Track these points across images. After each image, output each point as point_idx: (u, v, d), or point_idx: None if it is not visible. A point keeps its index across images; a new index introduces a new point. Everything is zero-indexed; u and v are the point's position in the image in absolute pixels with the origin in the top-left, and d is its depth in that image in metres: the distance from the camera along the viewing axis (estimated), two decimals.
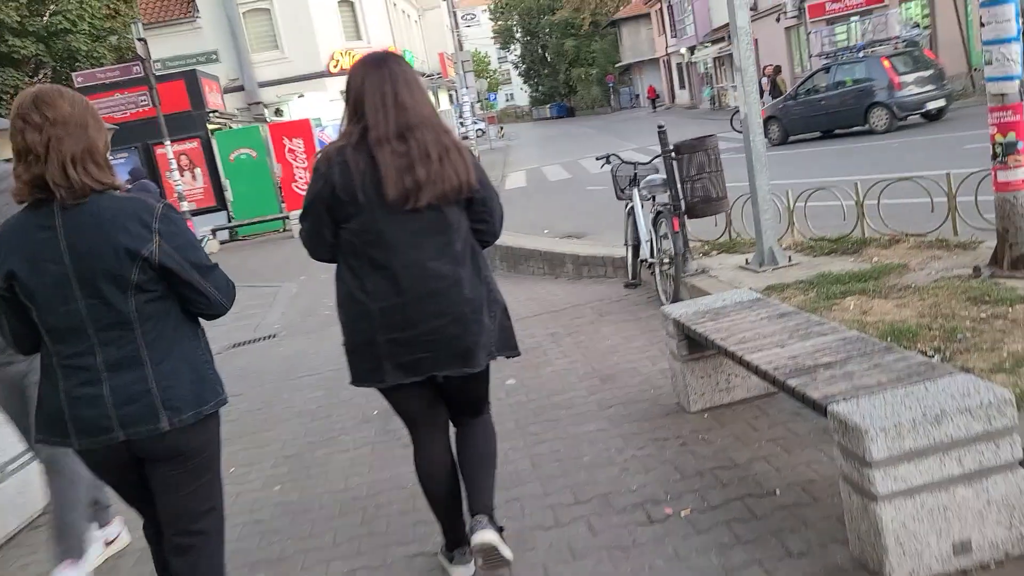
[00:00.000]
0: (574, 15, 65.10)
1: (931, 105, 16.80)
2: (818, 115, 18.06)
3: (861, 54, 18.21)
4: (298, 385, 6.54)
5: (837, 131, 18.19)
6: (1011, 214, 4.94)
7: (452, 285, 2.74)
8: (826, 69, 18.56)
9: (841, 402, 2.79)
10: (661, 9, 50.59)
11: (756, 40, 31.26)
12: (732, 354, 3.62)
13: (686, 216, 6.63)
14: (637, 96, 62.30)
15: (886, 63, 16.84)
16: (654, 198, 7.08)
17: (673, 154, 6.61)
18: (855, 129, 17.69)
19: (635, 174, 7.28)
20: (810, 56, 27.63)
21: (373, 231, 2.67)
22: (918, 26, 25.00)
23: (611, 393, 4.96)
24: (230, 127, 21.10)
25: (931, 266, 5.55)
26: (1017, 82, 4.84)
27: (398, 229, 2.68)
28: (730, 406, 4.37)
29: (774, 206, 6.42)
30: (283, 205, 17.89)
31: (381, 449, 4.78)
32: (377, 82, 2.67)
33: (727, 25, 30.45)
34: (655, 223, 6.84)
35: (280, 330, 9.15)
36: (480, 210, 2.85)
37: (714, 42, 38.76)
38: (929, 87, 16.76)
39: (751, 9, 33.01)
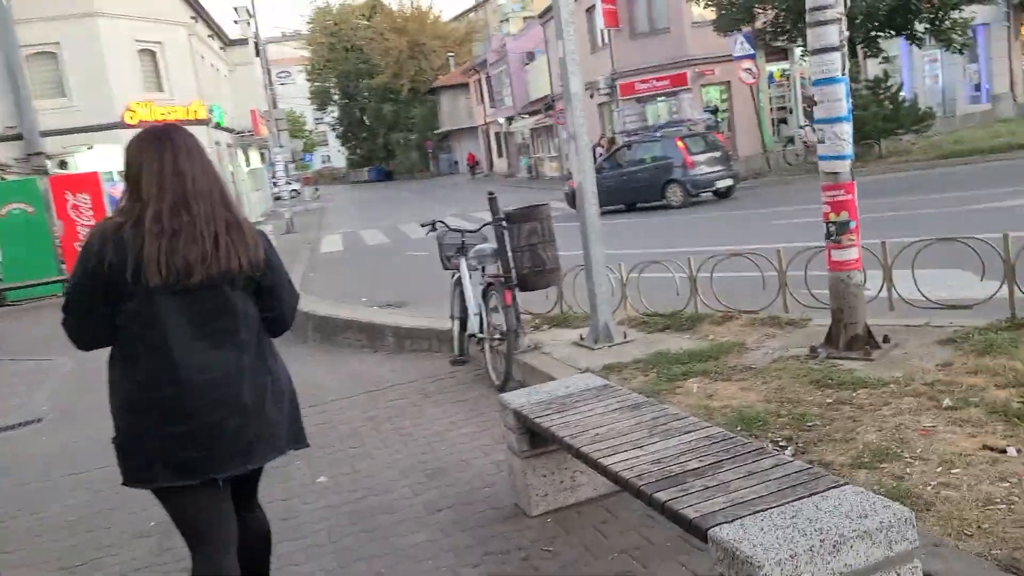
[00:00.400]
0: (393, 81, 65.40)
1: (720, 184, 18.03)
2: (621, 189, 18.93)
3: (659, 134, 19.39)
4: (58, 487, 5.40)
5: (639, 204, 19.07)
6: (845, 294, 4.86)
7: (234, 375, 2.50)
8: (628, 146, 19.65)
9: (724, 526, 2.33)
10: (480, 80, 51.80)
11: None
12: (586, 457, 3.12)
13: (517, 288, 6.22)
14: (456, 162, 63.10)
15: (680, 144, 18.04)
16: (483, 268, 6.62)
17: (504, 222, 6.22)
18: (654, 203, 18.61)
19: (463, 242, 6.81)
20: (615, 132, 28.94)
21: (148, 314, 2.44)
22: (710, 111, 26.88)
23: (439, 492, 4.33)
24: (2, 179, 18.88)
25: (767, 344, 5.41)
26: (849, 161, 4.81)
27: (176, 313, 2.45)
28: (576, 507, 3.87)
29: (608, 280, 6.13)
30: (63, 267, 15.96)
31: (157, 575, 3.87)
32: (156, 155, 2.50)
33: (544, 98, 31.37)
34: (485, 295, 6.38)
35: (47, 414, 7.79)
36: (267, 297, 2.63)
37: (531, 114, 39.94)
38: (718, 167, 18.06)
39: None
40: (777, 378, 4.67)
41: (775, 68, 27.81)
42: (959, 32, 19.46)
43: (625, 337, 6.06)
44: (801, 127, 23.22)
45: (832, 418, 4.02)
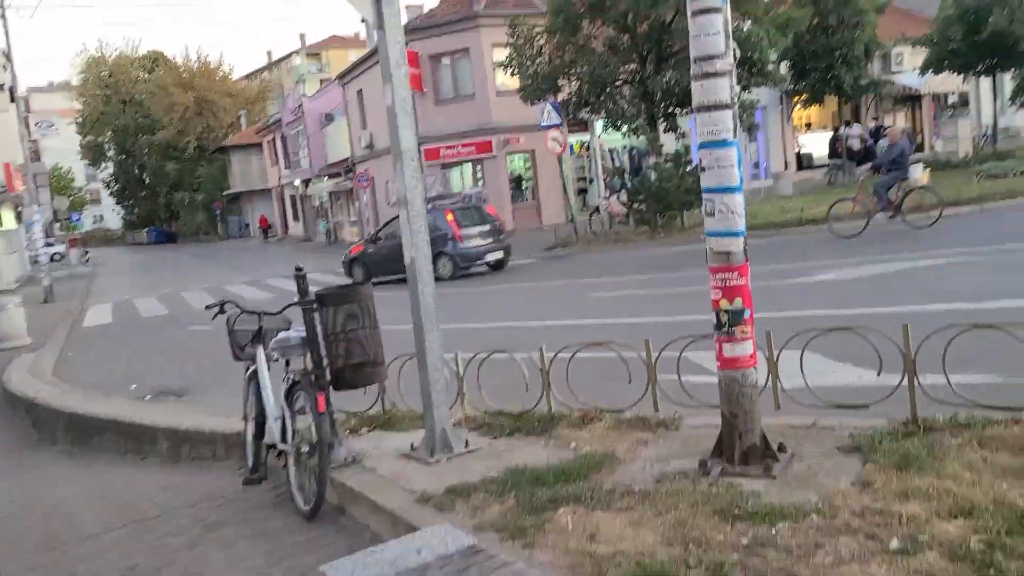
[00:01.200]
0: (177, 138, 61.47)
1: (490, 257, 17.98)
2: (395, 260, 18.07)
3: (429, 206, 19.23)
4: None
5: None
6: (739, 396, 4.06)
7: None
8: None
9: None
10: (274, 140, 49.60)
11: (372, 177, 31.28)
12: None
13: (332, 388, 4.96)
14: (247, 225, 59.84)
15: (450, 216, 17.87)
16: (287, 362, 5.30)
17: (315, 305, 4.97)
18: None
19: (260, 328, 5.46)
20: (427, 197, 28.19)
21: None
22: (515, 179, 26.89)
23: None
24: None
25: (643, 455, 4.49)
26: (742, 239, 4.07)
27: None
28: None
29: (444, 375, 5.01)
30: None
31: None
32: None
33: (344, 160, 29.95)
34: (289, 396, 5.05)
35: None
36: None
37: (330, 176, 38.42)
38: (489, 240, 17.98)
39: (366, 147, 33.34)
40: (672, 507, 3.73)
41: (575, 140, 28.37)
42: (747, 113, 20.53)
43: (467, 446, 4.95)
44: (605, 198, 23.55)
45: (760, 570, 3.11)
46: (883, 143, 26.68)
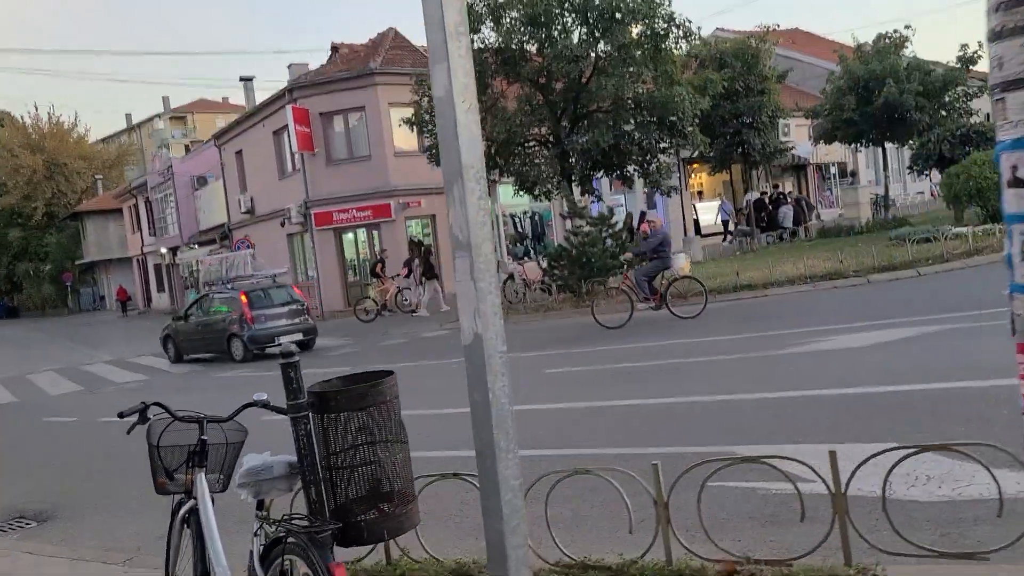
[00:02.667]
0: (24, 203, 56.22)
1: (286, 339, 16.90)
2: (198, 339, 18.33)
3: (229, 286, 18.59)
4: None
5: (214, 355, 18.15)
6: None
7: None
8: (206, 295, 18.95)
9: None
10: (136, 205, 45.87)
11: (254, 244, 28.79)
12: None
13: (338, 542, 3.08)
14: (103, 297, 54.88)
15: (243, 298, 17.40)
16: (260, 502, 3.37)
17: (311, 410, 3.11)
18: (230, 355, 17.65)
19: (202, 442, 3.52)
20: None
21: None
22: (415, 243, 25.16)
23: None
24: None
25: None
26: None
27: None
28: None
29: (524, 523, 3.21)
30: None
31: None
32: None
33: (220, 226, 27.33)
34: (268, 559, 3.13)
35: None
36: None
37: (204, 243, 35.39)
38: (285, 321, 17.36)
39: (246, 212, 30.78)
40: None
41: None
42: (664, 175, 19.81)
43: None
44: (519, 262, 22.17)
45: None
46: (784, 210, 26.85)
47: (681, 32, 17.51)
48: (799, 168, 32.89)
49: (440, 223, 25.57)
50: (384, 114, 24.77)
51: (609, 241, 17.48)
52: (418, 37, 31.39)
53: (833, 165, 35.70)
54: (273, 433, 4.67)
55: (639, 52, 17.81)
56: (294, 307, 17.73)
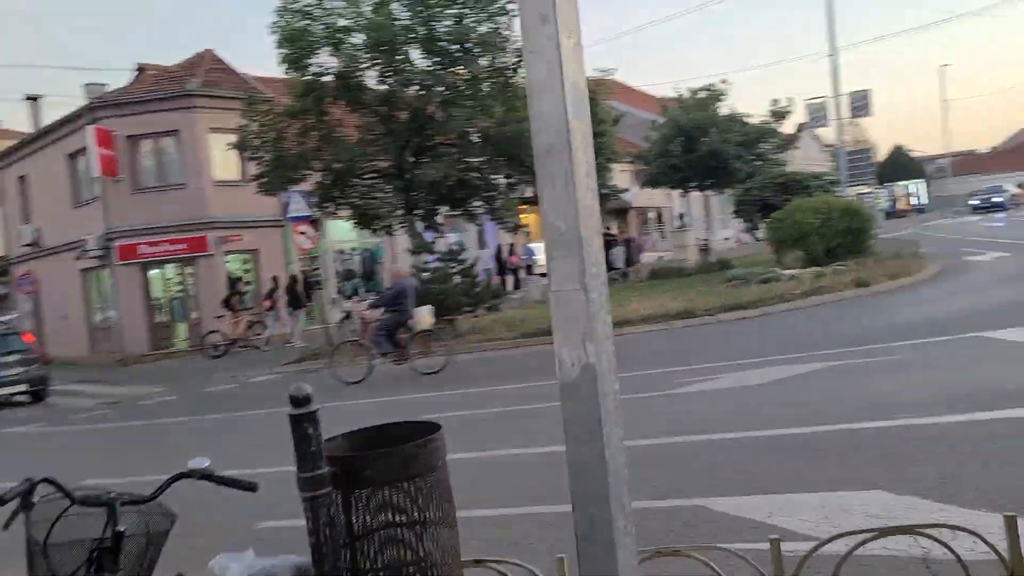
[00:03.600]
0: None
1: (5, 391, 16.48)
2: None
3: None
4: None
5: None
6: None
7: None
8: None
9: None
10: None
11: (38, 280, 25.43)
12: None
13: None
14: None
15: None
16: None
17: (331, 482, 2.05)
18: None
19: (117, 534, 2.35)
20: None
21: None
22: (234, 279, 23.24)
23: None
24: None
25: None
26: None
27: None
28: None
29: None
30: None
31: None
32: None
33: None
34: None
35: None
36: None
37: None
38: (4, 372, 16.45)
39: (30, 244, 27.13)
40: None
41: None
42: (510, 212, 19.39)
43: None
44: (347, 298, 20.80)
45: None
46: (616, 251, 27.29)
47: None
48: (621, 211, 33.88)
49: (264, 258, 23.71)
50: (202, 140, 22.73)
51: (458, 278, 16.72)
52: (237, 60, 29.55)
53: (652, 209, 37.18)
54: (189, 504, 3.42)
55: (487, 86, 17.36)
56: (19, 356, 16.85)
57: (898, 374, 8.36)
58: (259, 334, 20.49)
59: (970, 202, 48.16)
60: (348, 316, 19.34)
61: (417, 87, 17.30)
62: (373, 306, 14.29)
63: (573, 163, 2.11)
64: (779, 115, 26.18)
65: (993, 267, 18.32)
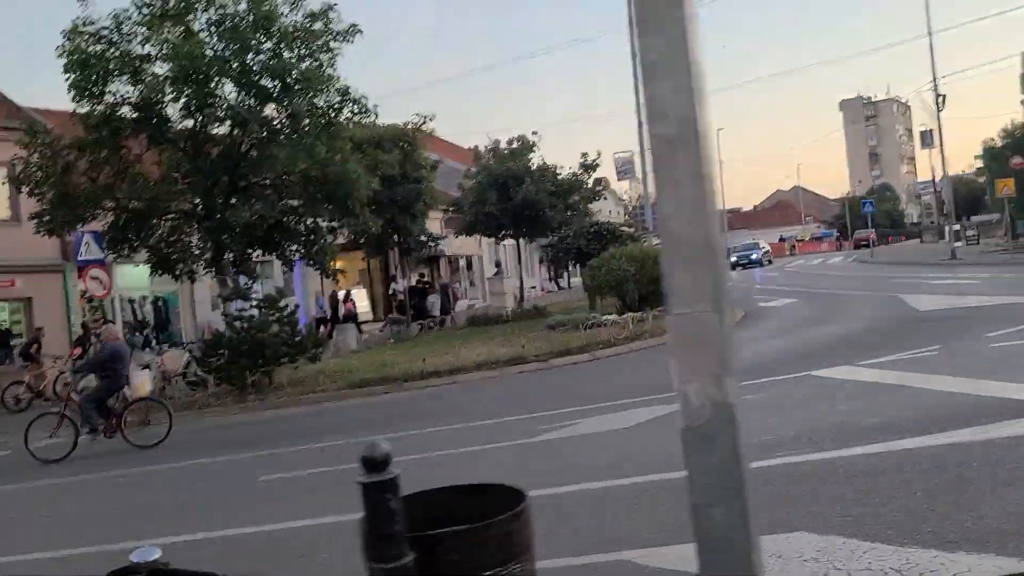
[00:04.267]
0: None
1: None
2: None
3: None
4: None
5: None
6: None
7: None
8: None
9: None
10: None
11: None
12: None
13: None
14: None
15: None
16: None
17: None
18: None
19: None
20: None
21: None
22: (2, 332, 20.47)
23: None
24: None
25: None
26: None
27: None
28: None
29: None
30: None
31: None
32: None
33: None
34: None
35: None
36: None
37: None
38: None
39: None
40: None
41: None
42: (330, 256, 18.48)
43: None
44: (141, 349, 18.77)
45: None
46: (432, 298, 26.87)
47: (357, 108, 16.63)
48: (433, 259, 33.59)
49: (39, 307, 21.02)
50: None
51: (276, 327, 15.56)
52: (6, 88, 26.77)
53: (461, 257, 37.23)
54: None
55: (307, 123, 16.51)
56: None
57: (753, 414, 8.51)
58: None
59: (731, 259, 49.57)
60: (147, 368, 17.44)
61: (230, 124, 16.13)
62: (76, 372, 12.91)
63: (701, 157, 1.66)
64: (588, 168, 27.20)
65: (790, 312, 19.78)
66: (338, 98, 16.51)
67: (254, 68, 15.92)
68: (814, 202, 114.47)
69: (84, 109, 16.64)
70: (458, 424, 10.21)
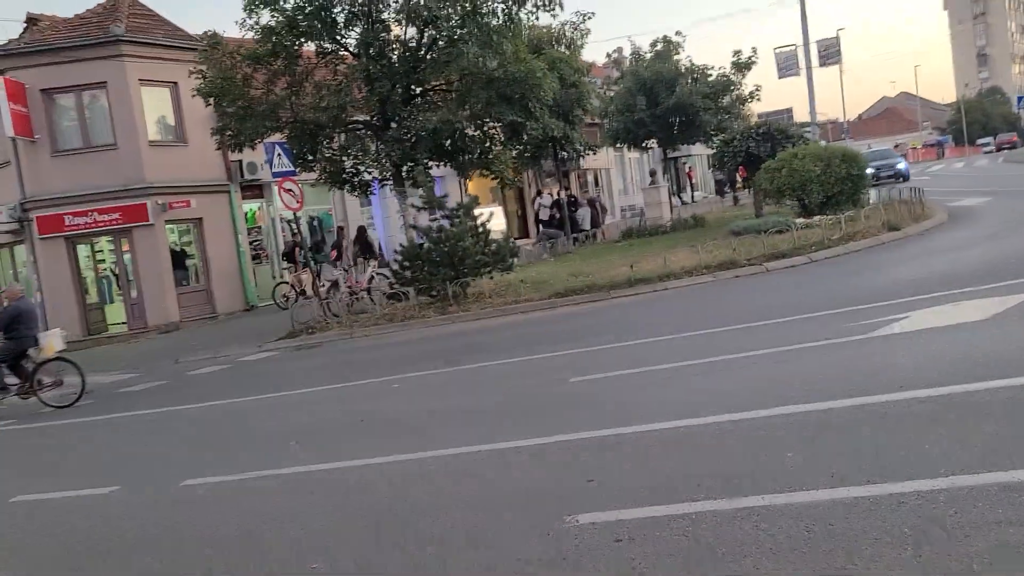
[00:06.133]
0: None
1: None
2: None
3: None
4: None
5: None
6: None
7: None
8: None
9: None
10: None
11: None
12: None
13: None
14: None
15: None
16: None
17: None
18: None
19: None
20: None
21: None
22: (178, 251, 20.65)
23: None
24: None
25: None
26: None
27: None
28: None
29: None
30: None
31: None
32: None
33: None
34: None
35: None
36: None
37: None
38: None
39: None
40: None
41: (248, 207, 22.89)
42: (507, 165, 17.76)
43: None
44: (314, 262, 18.59)
45: None
46: (582, 212, 26.07)
47: (542, 1, 15.57)
48: (565, 173, 32.61)
49: (210, 227, 21.10)
50: (134, 93, 19.84)
51: (471, 238, 14.99)
52: (159, 5, 26.69)
53: (591, 172, 36.14)
54: None
55: (491, 19, 15.57)
56: None
57: None
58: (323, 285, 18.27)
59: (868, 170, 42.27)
60: (335, 285, 17.31)
61: (415, 24, 15.32)
62: None
63: None
64: (742, 67, 25.52)
65: (995, 211, 18.25)
66: None
67: None
68: (923, 108, 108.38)
69: (255, 19, 16.13)
70: (738, 325, 9.40)
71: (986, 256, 11.84)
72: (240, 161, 21.29)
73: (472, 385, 8.89)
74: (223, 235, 21.29)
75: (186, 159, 20.50)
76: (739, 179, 36.54)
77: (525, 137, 17.99)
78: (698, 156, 47.66)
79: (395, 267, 15.54)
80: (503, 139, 17.43)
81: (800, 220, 18.11)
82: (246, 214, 22.59)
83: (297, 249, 20.07)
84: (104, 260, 21.35)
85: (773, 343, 7.89)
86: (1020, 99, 48.92)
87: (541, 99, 16.12)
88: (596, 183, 37.40)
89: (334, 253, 20.03)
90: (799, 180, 19.18)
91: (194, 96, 16.42)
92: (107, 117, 19.88)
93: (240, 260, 21.65)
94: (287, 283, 20.82)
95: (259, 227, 23.28)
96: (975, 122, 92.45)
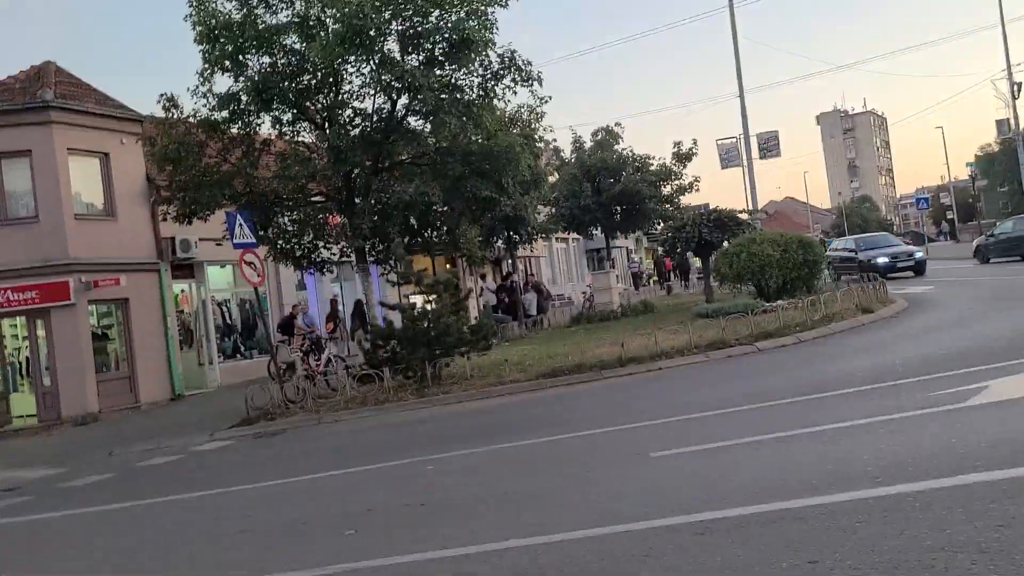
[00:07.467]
0: None
1: None
2: None
3: None
4: None
5: None
6: None
7: None
8: None
9: None
10: None
11: None
12: None
13: None
14: None
15: None
16: None
17: None
18: None
19: None
20: None
21: None
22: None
23: None
24: None
25: None
26: None
27: None
28: None
29: None
30: None
31: None
32: None
33: None
34: None
35: None
36: None
37: None
38: None
39: None
40: None
41: (177, 288, 21.20)
42: (473, 248, 17.04)
43: None
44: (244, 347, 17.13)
45: None
46: (528, 296, 25.44)
47: (520, 76, 15.20)
48: (498, 260, 32.09)
49: (134, 309, 19.29)
50: (61, 163, 18.23)
51: (451, 316, 14.05)
52: (86, 73, 25.21)
53: (521, 260, 35.71)
54: None
55: (471, 92, 15.08)
56: None
57: None
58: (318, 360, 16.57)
59: (877, 261, 27.16)
60: (291, 368, 15.89)
61: (392, 91, 14.64)
62: None
63: None
64: (682, 157, 25.94)
65: (948, 298, 18.69)
66: (499, 62, 15.04)
67: (418, 28, 14.48)
68: (807, 211, 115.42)
69: (208, 87, 15.15)
70: (778, 400, 8.77)
71: (988, 332, 11.78)
72: (172, 238, 19.79)
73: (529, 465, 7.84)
74: (151, 317, 19.52)
75: (115, 235, 18.89)
76: (665, 269, 37.00)
77: (490, 215, 17.34)
78: (618, 249, 48.26)
79: (367, 346, 14.35)
80: (471, 216, 16.72)
81: (777, 303, 17.98)
82: (175, 295, 20.90)
83: (295, 322, 18.34)
84: (7, 345, 19.16)
85: (871, 413, 7.28)
86: (919, 200, 52.09)
87: (515, 175, 15.59)
88: (527, 272, 37.06)
89: (330, 326, 18.45)
90: (758, 264, 19.20)
91: (149, 162, 15.12)
92: (30, 187, 18.14)
93: (168, 345, 19.84)
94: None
95: (182, 310, 21.54)
96: (855, 225, 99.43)
